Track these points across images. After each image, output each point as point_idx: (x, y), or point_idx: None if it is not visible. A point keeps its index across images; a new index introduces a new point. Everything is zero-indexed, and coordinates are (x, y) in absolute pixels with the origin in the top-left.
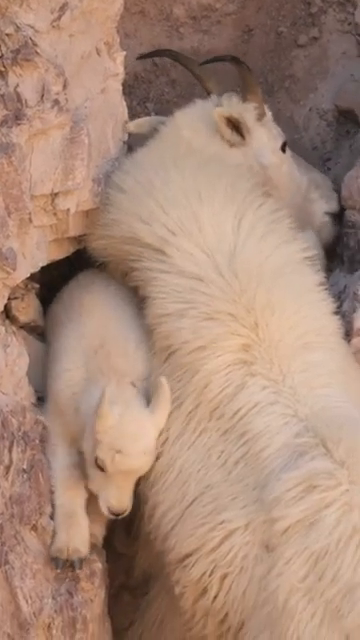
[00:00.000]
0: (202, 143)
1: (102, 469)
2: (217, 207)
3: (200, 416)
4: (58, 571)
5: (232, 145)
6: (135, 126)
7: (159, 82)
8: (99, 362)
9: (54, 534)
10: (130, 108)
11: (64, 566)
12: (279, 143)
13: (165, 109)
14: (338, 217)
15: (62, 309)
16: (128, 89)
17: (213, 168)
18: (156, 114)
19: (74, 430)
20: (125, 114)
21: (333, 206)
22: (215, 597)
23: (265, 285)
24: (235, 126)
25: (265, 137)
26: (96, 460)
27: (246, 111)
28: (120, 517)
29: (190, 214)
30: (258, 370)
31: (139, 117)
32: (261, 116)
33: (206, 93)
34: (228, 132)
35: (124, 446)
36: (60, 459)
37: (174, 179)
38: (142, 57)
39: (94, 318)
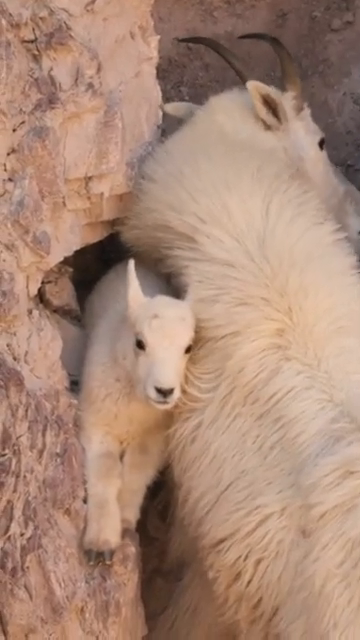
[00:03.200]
0: (235, 127)
1: (142, 346)
2: (245, 194)
3: (234, 401)
4: (91, 564)
5: (267, 128)
6: (172, 108)
7: (193, 66)
8: None
9: (86, 524)
10: (164, 92)
11: (97, 558)
12: (317, 139)
13: (199, 93)
14: None
15: (99, 299)
16: (162, 73)
17: (241, 155)
18: (190, 98)
19: (107, 417)
20: (159, 98)
21: None
22: (249, 582)
23: (297, 268)
24: (272, 108)
25: (303, 130)
26: (135, 339)
27: (285, 100)
28: (169, 400)
29: (219, 202)
30: (293, 354)
31: (173, 101)
32: (299, 109)
33: (242, 82)
34: (264, 110)
35: (159, 310)
36: (94, 448)
37: (203, 169)
38: (182, 41)
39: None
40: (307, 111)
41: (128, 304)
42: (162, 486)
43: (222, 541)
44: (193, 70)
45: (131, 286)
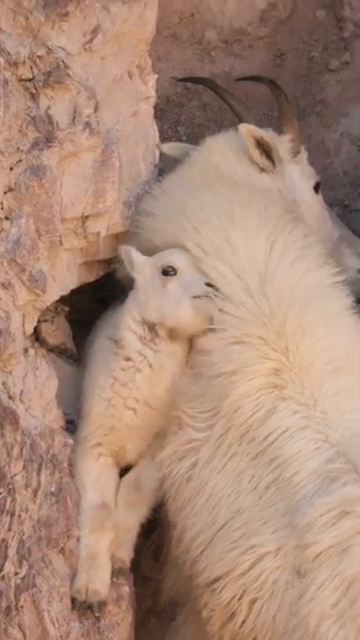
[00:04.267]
0: (230, 168)
1: (174, 270)
2: (250, 230)
3: (230, 440)
4: (75, 611)
5: (262, 170)
6: (169, 148)
7: (191, 106)
8: None
9: (76, 572)
10: (161, 132)
11: (80, 607)
12: (312, 183)
13: (196, 133)
14: None
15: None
16: (160, 112)
17: (245, 191)
18: (187, 138)
19: (103, 432)
20: (156, 137)
21: None
22: (243, 622)
23: (296, 308)
24: (265, 151)
25: (298, 174)
26: (162, 270)
27: (281, 143)
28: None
29: (223, 235)
30: (289, 394)
31: (170, 141)
32: (296, 152)
33: (239, 122)
34: (257, 153)
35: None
36: (89, 498)
37: (207, 201)
38: (180, 80)
39: None
40: (304, 154)
41: (137, 268)
42: (155, 525)
43: (217, 580)
44: (190, 110)
45: (132, 254)
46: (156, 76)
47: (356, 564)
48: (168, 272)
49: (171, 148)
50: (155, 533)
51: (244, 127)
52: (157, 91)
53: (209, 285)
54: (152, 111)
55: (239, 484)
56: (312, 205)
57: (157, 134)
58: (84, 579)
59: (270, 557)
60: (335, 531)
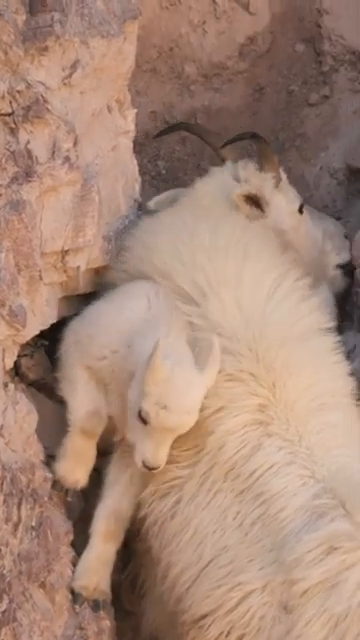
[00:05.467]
0: (224, 212)
1: (144, 422)
2: (260, 267)
3: (215, 477)
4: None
5: (252, 220)
6: (155, 204)
7: (170, 140)
8: (166, 313)
9: (57, 458)
10: (141, 166)
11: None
12: (296, 205)
13: (176, 167)
14: (350, 266)
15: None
16: (139, 147)
17: (261, 230)
18: (167, 172)
19: (105, 371)
20: (136, 171)
21: (345, 257)
22: None
23: (288, 346)
24: (254, 201)
25: (283, 202)
26: (140, 412)
27: (264, 181)
28: (154, 472)
29: (233, 266)
30: (274, 430)
31: (150, 175)
32: (278, 182)
33: (220, 160)
34: (247, 209)
35: (170, 402)
36: (80, 401)
37: (224, 228)
38: (157, 136)
39: None
40: (285, 181)
41: (145, 376)
42: (130, 557)
43: (204, 617)
44: (170, 144)
45: (154, 360)
46: (135, 110)
47: (344, 601)
48: (142, 418)
49: (157, 203)
50: (130, 565)
51: (237, 196)
52: (136, 125)
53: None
54: (131, 145)
55: (224, 521)
56: (297, 227)
57: (136, 168)
58: (70, 467)
59: (257, 594)
60: (323, 567)
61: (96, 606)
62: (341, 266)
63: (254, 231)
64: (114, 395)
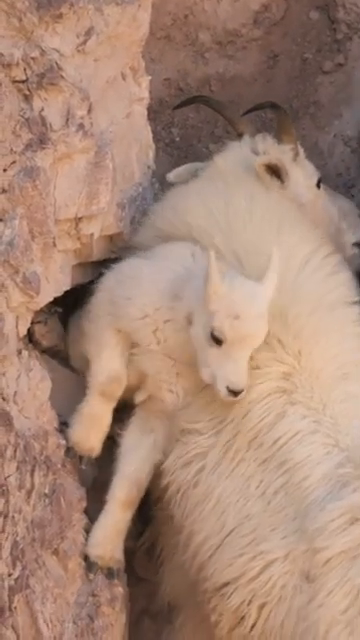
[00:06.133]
0: (250, 186)
1: (219, 341)
2: (293, 241)
3: (238, 445)
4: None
5: (271, 190)
6: (175, 176)
7: (184, 108)
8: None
9: (72, 424)
10: (155, 133)
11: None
12: (314, 180)
13: (190, 134)
14: None
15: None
16: (153, 114)
17: (291, 203)
18: (180, 139)
19: (144, 331)
20: (150, 139)
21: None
22: (253, 626)
23: (317, 315)
24: (274, 170)
25: (301, 176)
26: (212, 333)
27: (283, 153)
28: (239, 397)
29: (267, 237)
30: (298, 399)
31: (164, 142)
32: (296, 155)
33: (237, 134)
34: (268, 178)
35: (241, 310)
36: (104, 364)
37: (259, 197)
38: (177, 107)
39: None
40: (302, 154)
41: (207, 295)
42: (146, 525)
43: (225, 585)
44: (184, 111)
45: (212, 275)
46: (149, 78)
47: None
48: (216, 339)
49: (177, 176)
50: (146, 533)
51: (258, 163)
52: (150, 93)
53: (231, 392)
54: (145, 113)
55: (247, 490)
56: (315, 201)
57: (150, 136)
58: (85, 433)
59: (279, 563)
60: (346, 537)
61: (110, 574)
62: (358, 244)
63: (287, 205)
64: (147, 359)
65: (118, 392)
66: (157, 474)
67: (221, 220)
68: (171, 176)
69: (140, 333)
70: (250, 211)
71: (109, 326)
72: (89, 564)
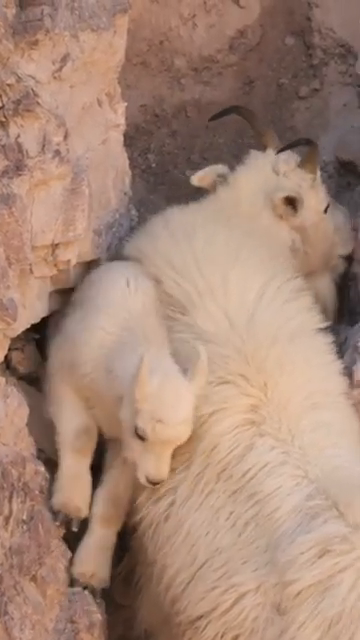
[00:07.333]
0: (256, 210)
1: (142, 438)
2: (248, 272)
3: (208, 478)
4: (57, 524)
5: (282, 218)
6: (198, 180)
7: (160, 133)
8: (145, 328)
9: (54, 491)
10: (131, 159)
11: (62, 520)
12: (324, 206)
13: (166, 160)
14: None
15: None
16: (129, 140)
17: (257, 238)
18: (157, 165)
19: (89, 391)
20: (126, 165)
21: (349, 248)
22: None
23: (279, 346)
24: (290, 201)
25: (314, 201)
26: (136, 429)
27: (302, 180)
28: (157, 486)
29: (221, 275)
30: (267, 430)
31: (140, 168)
32: (314, 182)
33: (263, 147)
34: (283, 208)
35: (164, 416)
36: (67, 420)
37: (218, 238)
38: (213, 119)
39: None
40: (319, 178)
41: (134, 392)
42: (124, 552)
43: (199, 618)
44: (160, 137)
45: (141, 376)
46: (125, 104)
47: (338, 604)
48: (139, 435)
49: (200, 180)
50: (124, 560)
51: (279, 199)
52: (126, 119)
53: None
54: (122, 139)
55: (217, 521)
56: (318, 225)
57: (127, 162)
58: (67, 494)
59: (251, 595)
60: (316, 569)
61: (93, 593)
62: (343, 257)
63: (252, 238)
64: (101, 412)
65: (90, 445)
66: (131, 510)
67: (177, 261)
68: (194, 180)
69: (88, 390)
70: (206, 250)
71: (62, 382)
72: (73, 581)
